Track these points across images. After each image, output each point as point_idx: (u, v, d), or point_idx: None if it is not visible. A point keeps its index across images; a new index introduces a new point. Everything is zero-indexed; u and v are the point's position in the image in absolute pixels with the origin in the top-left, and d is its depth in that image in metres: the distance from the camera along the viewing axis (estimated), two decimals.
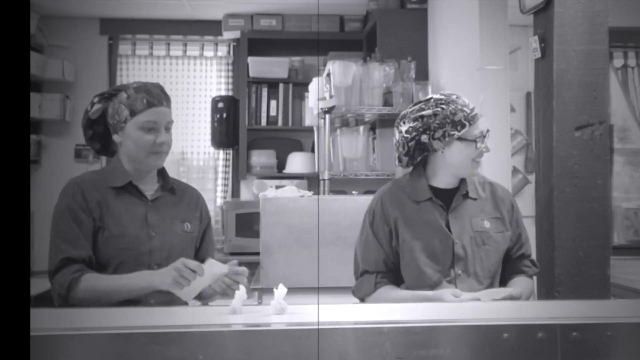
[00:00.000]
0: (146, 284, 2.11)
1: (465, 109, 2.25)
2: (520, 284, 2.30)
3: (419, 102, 2.32)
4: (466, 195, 2.31)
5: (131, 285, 2.12)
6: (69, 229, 2.16)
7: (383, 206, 2.31)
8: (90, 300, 2.10)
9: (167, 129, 2.26)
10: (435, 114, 2.24)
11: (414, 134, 2.26)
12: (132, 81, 2.38)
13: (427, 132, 2.25)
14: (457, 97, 2.28)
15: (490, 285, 2.26)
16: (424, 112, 2.26)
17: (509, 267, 2.36)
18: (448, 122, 2.23)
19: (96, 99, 2.28)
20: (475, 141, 2.25)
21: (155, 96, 2.23)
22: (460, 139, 2.24)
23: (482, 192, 2.36)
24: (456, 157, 2.27)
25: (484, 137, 2.27)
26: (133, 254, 2.19)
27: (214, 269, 2.14)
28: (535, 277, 2.43)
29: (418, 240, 2.25)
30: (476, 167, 2.30)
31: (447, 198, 2.31)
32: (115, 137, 2.27)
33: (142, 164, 2.26)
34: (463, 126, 2.23)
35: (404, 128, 2.29)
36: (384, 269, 2.29)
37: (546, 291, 2.76)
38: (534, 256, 2.49)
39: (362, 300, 2.32)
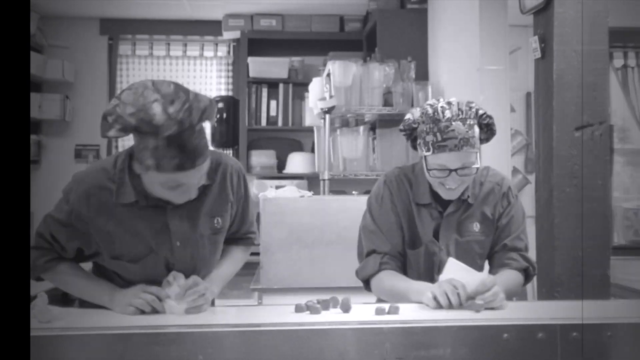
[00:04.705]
0: (103, 303, 1.93)
1: (439, 134, 2.08)
2: (501, 277, 2.12)
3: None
4: (465, 201, 2.22)
5: (91, 296, 1.99)
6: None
7: (391, 195, 2.23)
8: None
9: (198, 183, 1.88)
10: (423, 121, 2.14)
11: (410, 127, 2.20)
12: (162, 112, 1.81)
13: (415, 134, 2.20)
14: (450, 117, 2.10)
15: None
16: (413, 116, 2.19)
17: (494, 261, 2.24)
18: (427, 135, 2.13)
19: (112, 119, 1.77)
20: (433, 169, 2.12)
21: (190, 154, 1.76)
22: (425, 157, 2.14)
23: (477, 191, 2.25)
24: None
25: (449, 171, 2.10)
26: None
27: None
28: (524, 273, 2.21)
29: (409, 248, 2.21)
30: (446, 191, 2.16)
31: (446, 201, 2.21)
32: (136, 167, 1.89)
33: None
34: (429, 149, 2.11)
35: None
36: (390, 251, 2.20)
37: (546, 291, 2.76)
38: (533, 255, 2.37)
39: (366, 282, 2.22)
